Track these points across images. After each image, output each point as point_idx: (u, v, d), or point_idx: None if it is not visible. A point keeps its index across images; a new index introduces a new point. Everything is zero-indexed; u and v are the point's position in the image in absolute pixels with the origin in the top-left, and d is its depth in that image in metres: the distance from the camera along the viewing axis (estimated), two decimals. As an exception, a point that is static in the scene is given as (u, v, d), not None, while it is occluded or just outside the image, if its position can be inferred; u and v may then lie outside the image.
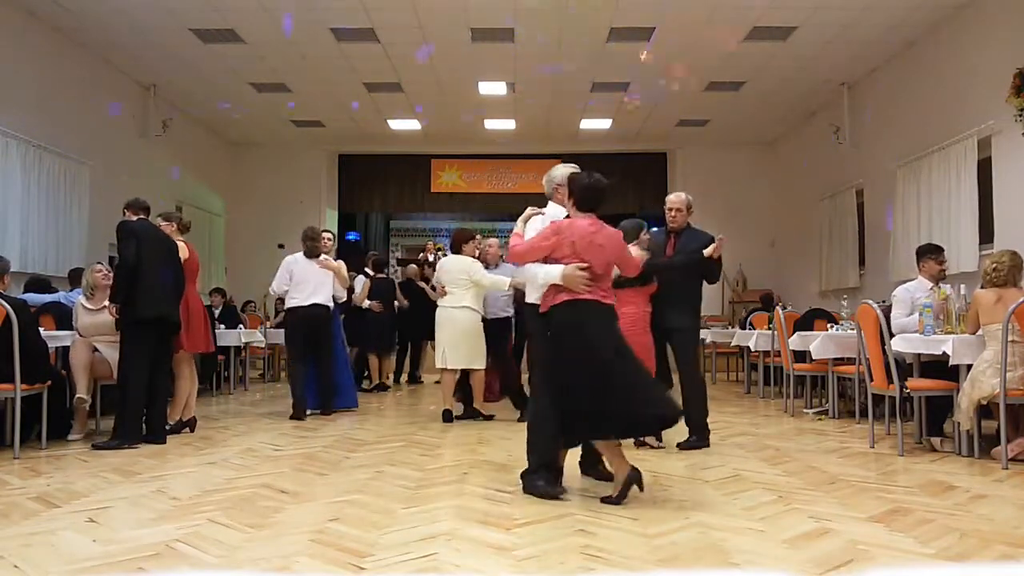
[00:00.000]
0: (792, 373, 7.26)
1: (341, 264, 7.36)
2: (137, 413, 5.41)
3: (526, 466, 3.96)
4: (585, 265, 3.72)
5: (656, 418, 3.77)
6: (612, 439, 3.75)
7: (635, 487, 3.66)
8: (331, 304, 7.15)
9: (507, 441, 5.58)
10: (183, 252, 6.05)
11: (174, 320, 5.64)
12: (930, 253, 5.87)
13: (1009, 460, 4.58)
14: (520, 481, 3.95)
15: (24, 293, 7.03)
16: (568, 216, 3.98)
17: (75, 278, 7.37)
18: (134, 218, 5.65)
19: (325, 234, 7.57)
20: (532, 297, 4.08)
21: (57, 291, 7.35)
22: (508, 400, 7.26)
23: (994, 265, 4.92)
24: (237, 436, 5.92)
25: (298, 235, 7.37)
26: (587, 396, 3.62)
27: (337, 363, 7.28)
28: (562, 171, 4.19)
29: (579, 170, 4.05)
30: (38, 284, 7.38)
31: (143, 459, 4.91)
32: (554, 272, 3.75)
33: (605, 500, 3.68)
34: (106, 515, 3.48)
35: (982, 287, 4.99)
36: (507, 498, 3.80)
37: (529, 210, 4.23)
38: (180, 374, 6.01)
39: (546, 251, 3.82)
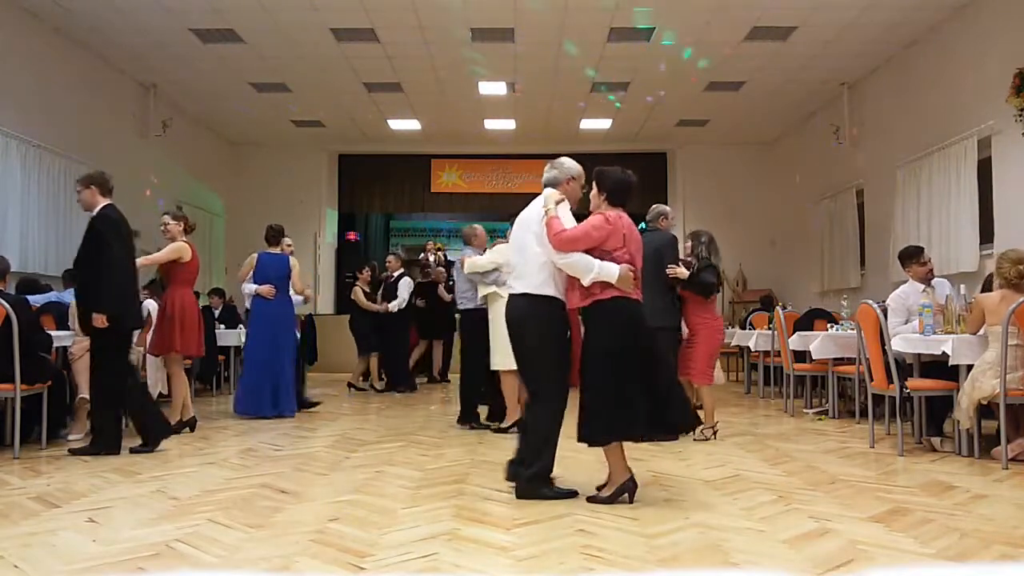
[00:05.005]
0: (792, 373, 7.26)
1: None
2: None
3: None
4: (634, 268, 3.72)
5: (672, 425, 3.77)
6: (636, 440, 3.76)
7: (629, 495, 3.68)
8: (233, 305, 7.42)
9: (507, 441, 5.58)
10: (186, 254, 6.06)
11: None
12: (912, 257, 5.84)
13: (1009, 460, 4.58)
14: (517, 483, 3.84)
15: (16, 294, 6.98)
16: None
17: (70, 279, 7.31)
18: (104, 202, 5.22)
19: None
20: (533, 287, 3.85)
21: (50, 289, 7.28)
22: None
23: (1017, 269, 4.73)
24: (237, 436, 5.93)
25: (298, 235, 7.53)
26: (625, 395, 3.60)
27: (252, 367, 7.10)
28: (574, 163, 4.10)
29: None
30: (28, 285, 7.26)
31: (143, 459, 4.91)
32: (612, 270, 3.64)
33: (591, 499, 3.70)
34: (106, 515, 3.48)
35: (996, 286, 4.96)
36: (507, 498, 3.80)
37: (556, 193, 3.95)
38: (173, 375, 6.01)
39: (598, 241, 3.71)
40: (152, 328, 6.19)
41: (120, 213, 5.23)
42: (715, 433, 5.63)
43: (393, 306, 9.16)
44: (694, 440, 5.55)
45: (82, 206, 5.30)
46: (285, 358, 7.05)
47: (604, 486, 3.79)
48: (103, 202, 5.20)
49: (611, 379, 3.62)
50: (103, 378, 5.08)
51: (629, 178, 3.90)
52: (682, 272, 5.51)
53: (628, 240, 3.74)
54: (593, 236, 3.70)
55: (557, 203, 3.87)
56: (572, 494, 3.79)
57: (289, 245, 7.66)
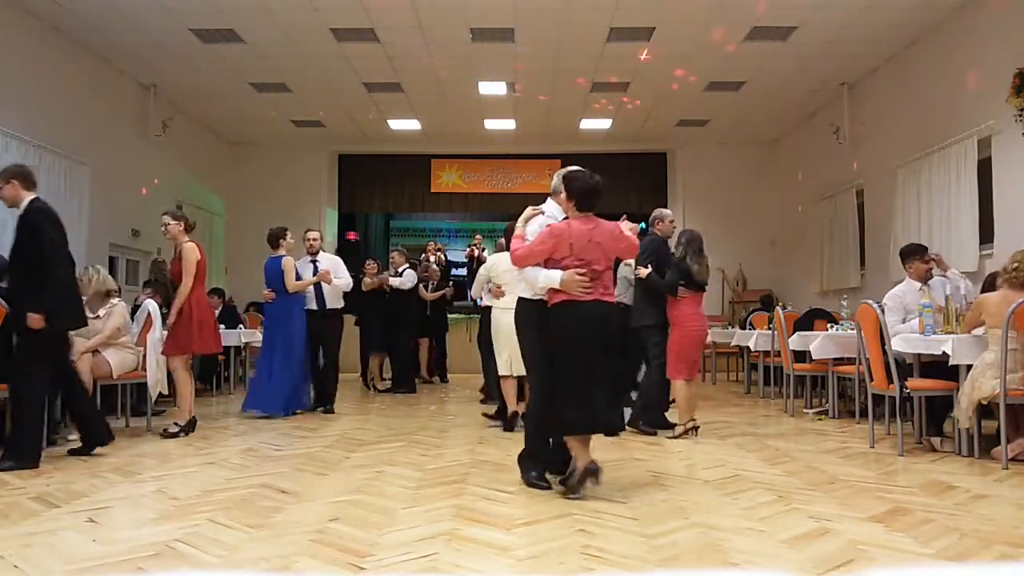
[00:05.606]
0: (792, 373, 7.26)
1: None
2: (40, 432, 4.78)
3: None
4: (584, 271, 3.83)
5: (607, 425, 3.93)
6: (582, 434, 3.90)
7: (592, 480, 3.77)
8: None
9: (507, 441, 5.58)
10: (194, 253, 6.01)
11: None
12: (915, 254, 5.86)
13: (1009, 460, 4.58)
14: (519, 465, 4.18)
15: None
16: (566, 215, 4.08)
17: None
18: (30, 196, 4.76)
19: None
20: (526, 292, 4.18)
21: None
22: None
23: (1015, 264, 4.76)
24: (237, 436, 5.92)
25: (298, 235, 7.55)
26: (574, 395, 3.81)
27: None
28: None
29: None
30: None
31: (143, 459, 4.91)
32: (554, 277, 3.87)
33: (562, 482, 3.88)
34: (106, 515, 3.48)
35: (997, 286, 4.96)
36: (507, 498, 3.80)
37: (529, 210, 4.29)
38: (176, 371, 5.97)
39: (544, 255, 3.94)
40: (153, 328, 6.17)
41: (50, 206, 4.79)
42: (695, 430, 5.67)
43: (395, 282, 9.22)
44: (667, 439, 5.64)
45: (5, 203, 4.86)
46: (280, 358, 6.99)
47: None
48: (29, 195, 4.77)
49: (560, 377, 3.85)
50: (26, 384, 4.61)
51: (595, 184, 4.01)
52: (641, 272, 5.84)
53: (576, 248, 3.88)
54: (537, 252, 3.95)
55: (527, 220, 4.18)
56: (546, 487, 3.97)
57: (313, 239, 7.71)
